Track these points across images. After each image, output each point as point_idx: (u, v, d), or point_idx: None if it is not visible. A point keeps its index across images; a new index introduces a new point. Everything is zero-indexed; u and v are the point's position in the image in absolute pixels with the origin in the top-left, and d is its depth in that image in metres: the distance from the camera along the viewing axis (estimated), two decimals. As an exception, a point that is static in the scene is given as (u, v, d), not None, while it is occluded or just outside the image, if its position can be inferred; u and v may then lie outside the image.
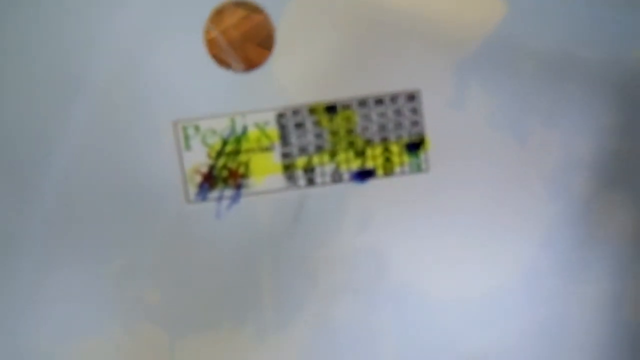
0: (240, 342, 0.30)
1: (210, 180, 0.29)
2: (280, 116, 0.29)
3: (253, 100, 0.29)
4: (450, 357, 0.31)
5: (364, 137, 0.30)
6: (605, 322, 0.31)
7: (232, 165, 0.29)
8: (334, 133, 0.30)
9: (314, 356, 0.30)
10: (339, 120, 0.29)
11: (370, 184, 0.30)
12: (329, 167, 0.30)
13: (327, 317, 0.30)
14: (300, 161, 0.29)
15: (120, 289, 0.29)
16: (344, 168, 0.30)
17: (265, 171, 0.29)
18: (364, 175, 0.30)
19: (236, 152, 0.29)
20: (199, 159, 0.29)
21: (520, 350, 0.31)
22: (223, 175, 0.29)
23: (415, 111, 0.30)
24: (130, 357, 0.30)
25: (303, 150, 0.30)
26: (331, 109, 0.29)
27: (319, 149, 0.30)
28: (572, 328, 0.31)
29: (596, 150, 0.30)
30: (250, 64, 0.29)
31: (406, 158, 0.30)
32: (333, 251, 0.30)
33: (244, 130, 0.29)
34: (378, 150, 0.30)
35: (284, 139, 0.29)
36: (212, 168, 0.29)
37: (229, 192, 0.29)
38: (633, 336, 0.31)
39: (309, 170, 0.30)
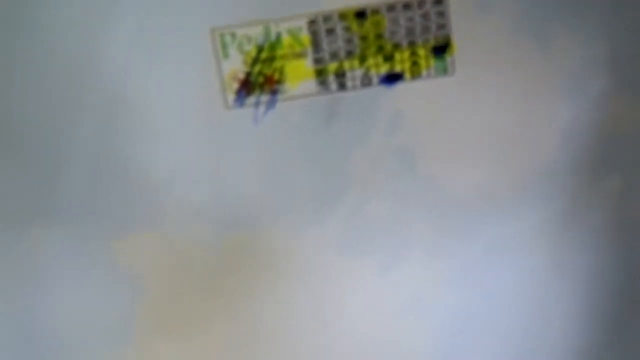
0: (280, 236, 0.33)
1: (247, 87, 0.31)
2: (312, 23, 0.30)
3: (285, 8, 0.30)
4: (475, 247, 0.33)
5: (392, 42, 0.31)
6: (613, 216, 0.33)
7: (267, 71, 0.31)
8: (364, 38, 0.31)
9: (348, 250, 0.33)
10: (368, 25, 0.30)
11: (399, 86, 0.31)
12: (359, 72, 0.31)
13: (360, 214, 0.33)
14: (332, 66, 0.31)
15: (169, 188, 0.32)
16: (373, 72, 0.31)
17: (298, 77, 0.31)
18: (392, 78, 0.31)
19: (271, 59, 0.31)
20: (236, 66, 0.31)
21: (539, 239, 0.33)
22: (259, 82, 0.31)
23: (441, 15, 0.31)
24: (182, 252, 0.33)
25: (334, 56, 0.31)
26: (361, 14, 0.30)
27: (349, 54, 0.31)
28: (581, 220, 0.33)
29: (616, 53, 0.31)
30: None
31: (433, 61, 0.31)
32: (364, 151, 0.32)
33: (278, 37, 0.30)
34: (406, 54, 0.31)
35: (316, 45, 0.31)
36: (248, 75, 0.31)
37: (265, 98, 0.31)
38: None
39: (340, 74, 0.31)
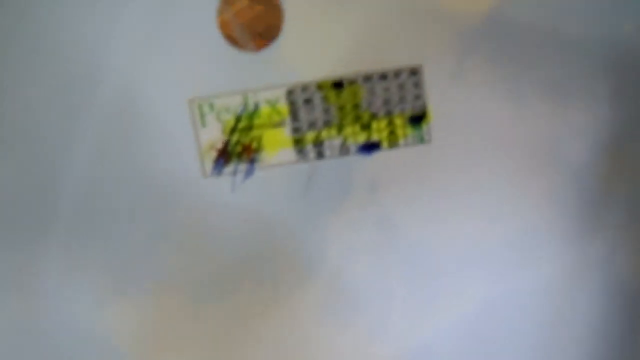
0: (259, 305, 0.32)
1: (225, 156, 0.31)
2: (290, 93, 0.31)
3: (264, 78, 0.31)
4: (460, 314, 0.33)
5: (369, 111, 0.31)
6: (601, 279, 0.33)
7: (245, 140, 0.31)
8: (341, 108, 0.31)
9: (328, 319, 0.32)
10: (345, 95, 0.31)
11: (376, 155, 0.32)
12: (336, 141, 0.31)
13: (338, 282, 0.32)
14: (310, 136, 0.31)
15: (143, 256, 0.31)
16: (350, 141, 0.31)
17: (276, 146, 0.31)
18: (370, 147, 0.31)
19: (249, 128, 0.31)
20: (214, 135, 0.31)
21: (529, 298, 0.33)
22: (237, 151, 0.31)
23: (417, 85, 0.31)
24: (154, 323, 0.32)
25: (312, 125, 0.31)
26: (338, 85, 0.31)
27: (327, 124, 0.31)
28: (570, 286, 0.33)
29: (592, 117, 0.32)
30: (261, 44, 0.30)
31: (409, 130, 0.31)
32: (342, 220, 0.32)
33: (256, 107, 0.31)
34: (383, 123, 0.31)
35: (294, 114, 0.31)
36: (226, 144, 0.31)
37: (243, 167, 0.31)
38: (628, 291, 0.33)
39: (318, 144, 0.31)
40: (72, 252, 0.31)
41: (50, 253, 0.31)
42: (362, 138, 0.31)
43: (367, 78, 0.31)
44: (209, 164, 0.31)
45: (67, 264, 0.31)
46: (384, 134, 0.31)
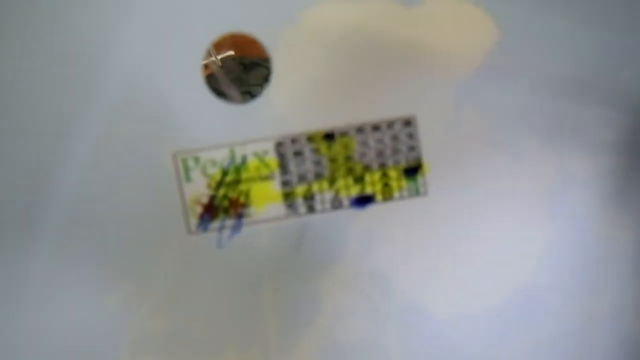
0: (245, 371, 0.30)
1: (211, 211, 0.29)
2: (279, 145, 0.29)
3: (252, 130, 0.29)
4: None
5: (362, 163, 0.30)
6: (608, 336, 0.32)
7: (232, 195, 0.29)
8: (333, 160, 0.30)
9: (319, 381, 0.30)
10: (337, 147, 0.30)
11: (370, 209, 0.30)
12: (328, 194, 0.30)
13: (331, 341, 0.30)
14: (300, 189, 0.30)
15: (123, 319, 0.29)
16: (343, 194, 0.30)
17: (265, 200, 0.30)
18: (363, 201, 0.30)
19: (236, 182, 0.29)
20: (199, 189, 0.29)
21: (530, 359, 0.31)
22: (224, 205, 0.29)
23: (411, 136, 0.30)
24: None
25: (302, 178, 0.30)
26: (329, 137, 0.30)
27: (318, 177, 0.30)
28: (575, 343, 0.31)
29: (592, 167, 0.31)
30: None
31: (404, 183, 0.30)
32: (335, 276, 0.30)
33: (244, 160, 0.29)
34: (376, 175, 0.30)
35: (283, 167, 0.30)
36: (212, 198, 0.29)
37: (230, 222, 0.30)
38: (636, 348, 0.32)
39: (308, 197, 0.30)
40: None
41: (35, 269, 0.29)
42: (355, 191, 0.30)
43: (360, 129, 0.30)
44: (194, 220, 0.29)
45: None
46: (378, 186, 0.30)
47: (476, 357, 0.31)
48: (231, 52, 0.29)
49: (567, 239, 0.31)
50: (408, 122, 0.30)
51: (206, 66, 0.29)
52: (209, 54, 0.29)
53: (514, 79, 0.30)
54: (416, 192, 0.30)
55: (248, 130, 0.29)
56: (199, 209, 0.29)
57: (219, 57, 0.28)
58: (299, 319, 0.30)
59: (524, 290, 0.31)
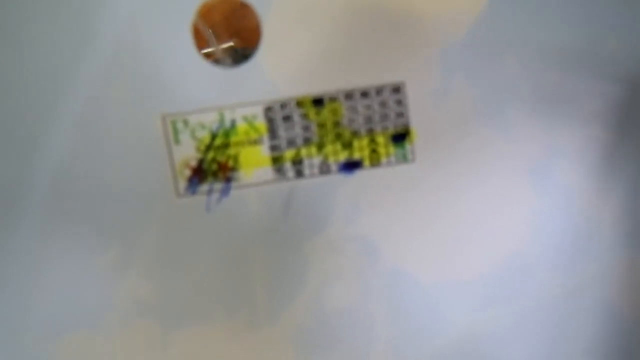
0: (233, 334, 0.30)
1: (199, 174, 0.29)
2: (268, 109, 0.30)
3: (241, 94, 0.29)
4: (443, 341, 0.31)
5: (351, 129, 0.30)
6: (591, 305, 0.32)
7: (221, 158, 0.30)
8: (321, 125, 0.30)
9: (307, 345, 0.31)
10: (325, 112, 0.30)
11: (358, 174, 0.30)
12: (316, 159, 0.30)
13: (319, 306, 0.31)
14: (289, 154, 0.30)
15: (112, 282, 0.29)
16: (331, 160, 0.30)
17: (254, 164, 0.30)
18: (351, 166, 0.30)
19: (225, 146, 0.30)
20: (188, 152, 0.29)
21: (515, 328, 0.32)
22: (212, 169, 0.30)
23: (400, 103, 0.30)
24: (123, 349, 0.30)
25: (291, 143, 0.30)
26: (318, 102, 0.30)
27: (307, 142, 0.30)
28: (559, 312, 0.32)
29: (578, 138, 0.31)
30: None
31: (392, 149, 0.30)
32: (323, 241, 0.30)
33: (233, 124, 0.29)
34: (364, 141, 0.30)
35: (272, 132, 0.30)
36: (201, 162, 0.29)
37: (218, 186, 0.30)
38: (619, 317, 0.32)
39: (297, 162, 0.30)
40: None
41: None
42: (343, 156, 0.30)
43: (348, 95, 0.30)
44: (182, 183, 0.30)
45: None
46: (366, 152, 0.30)
47: (462, 323, 0.31)
48: (231, 43, 0.29)
49: (553, 209, 0.31)
50: (397, 89, 0.30)
51: (195, 29, 0.29)
52: (198, 17, 0.29)
53: (501, 49, 0.31)
54: (404, 159, 0.31)
55: (237, 94, 0.29)
56: (187, 172, 0.29)
57: (220, 47, 0.28)
58: (287, 284, 0.31)
59: (509, 258, 0.31)
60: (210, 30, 0.28)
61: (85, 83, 0.29)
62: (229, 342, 0.30)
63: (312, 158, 0.30)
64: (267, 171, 0.30)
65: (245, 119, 0.30)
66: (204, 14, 0.29)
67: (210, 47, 0.28)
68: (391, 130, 0.30)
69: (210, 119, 0.29)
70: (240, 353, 0.31)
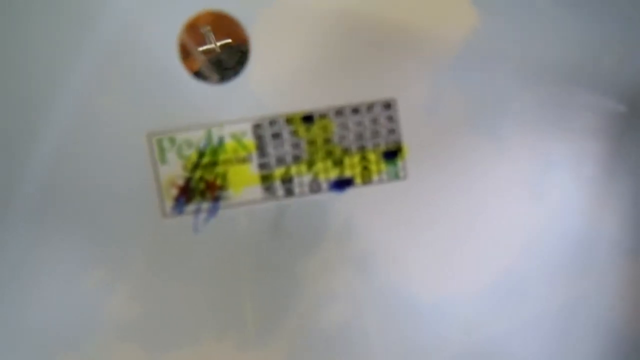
0: (222, 356, 0.30)
1: (186, 193, 0.29)
2: (257, 127, 0.29)
3: (229, 111, 0.29)
4: (437, 355, 0.31)
5: (342, 146, 0.30)
6: (593, 318, 0.32)
7: (209, 177, 0.29)
8: (311, 143, 0.29)
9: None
10: (316, 129, 0.29)
11: (349, 192, 0.30)
12: (307, 177, 0.29)
13: (310, 327, 0.30)
14: (278, 172, 0.29)
15: (97, 303, 0.29)
16: (322, 177, 0.30)
17: (242, 182, 0.29)
18: (342, 184, 0.30)
19: (213, 164, 0.29)
20: (174, 171, 0.29)
21: (514, 342, 0.31)
22: (200, 188, 0.29)
23: (391, 119, 0.30)
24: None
25: (281, 161, 0.29)
26: (308, 119, 0.29)
27: (297, 159, 0.29)
28: (560, 326, 0.31)
29: (574, 152, 0.31)
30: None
31: (384, 166, 0.30)
32: (315, 260, 0.30)
33: (221, 142, 0.29)
34: (356, 159, 0.30)
35: (261, 149, 0.29)
36: (188, 180, 0.29)
37: (206, 205, 0.29)
38: (620, 330, 0.32)
39: (287, 180, 0.29)
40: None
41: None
42: (334, 174, 0.30)
43: (339, 111, 0.29)
44: (169, 203, 0.29)
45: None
46: (357, 169, 0.30)
47: (459, 341, 0.31)
48: (229, 40, 0.28)
49: (549, 222, 0.31)
50: (388, 105, 0.30)
51: (182, 45, 0.28)
52: (184, 33, 0.28)
53: (495, 64, 0.30)
54: (395, 176, 0.30)
55: (225, 111, 0.29)
56: (174, 192, 0.29)
57: (219, 44, 0.28)
58: (277, 304, 0.30)
59: (506, 274, 0.31)
60: (208, 27, 0.27)
61: (70, 101, 0.28)
62: (217, 366, 0.30)
63: (302, 176, 0.29)
64: (256, 190, 0.29)
65: (234, 136, 0.29)
66: (190, 31, 0.28)
67: (208, 44, 0.27)
68: (383, 147, 0.30)
69: (198, 137, 0.29)
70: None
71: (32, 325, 0.29)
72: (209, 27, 0.28)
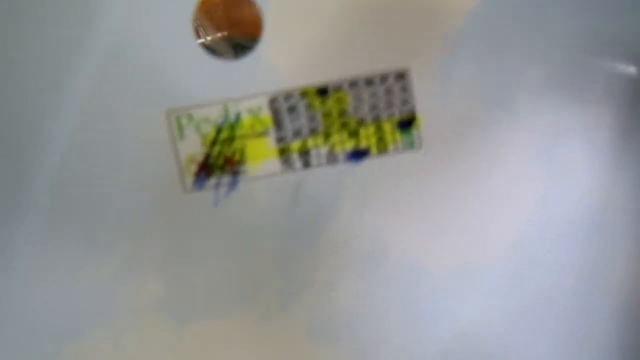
0: (246, 327, 0.30)
1: (206, 169, 0.29)
2: (273, 101, 0.29)
3: (245, 87, 0.29)
4: (455, 330, 0.31)
5: (357, 118, 0.30)
6: (609, 290, 0.32)
7: (227, 152, 0.29)
8: (327, 115, 0.30)
9: (320, 337, 0.31)
10: (331, 102, 0.30)
11: (365, 163, 0.30)
12: (323, 149, 0.30)
13: (330, 297, 0.31)
14: (295, 144, 0.30)
15: (122, 280, 0.29)
16: (338, 149, 0.30)
17: (260, 156, 0.30)
18: (358, 155, 0.30)
19: (231, 139, 0.29)
20: (193, 147, 0.29)
21: (530, 311, 0.32)
22: (219, 163, 0.29)
23: (405, 89, 0.30)
24: (138, 346, 0.30)
25: (297, 134, 0.30)
26: (323, 92, 0.30)
27: (313, 132, 0.30)
28: (577, 299, 0.32)
29: (587, 120, 0.31)
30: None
31: (399, 136, 0.30)
32: (333, 231, 0.30)
33: (237, 117, 0.29)
34: (371, 129, 0.30)
35: (278, 123, 0.29)
36: (207, 156, 0.29)
37: (225, 180, 0.30)
38: (635, 301, 0.32)
39: (304, 153, 0.30)
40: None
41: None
42: (350, 145, 0.30)
43: (353, 83, 0.30)
44: (189, 179, 0.29)
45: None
46: (373, 140, 0.30)
47: (474, 313, 0.31)
48: (225, 33, 0.29)
49: (563, 192, 0.31)
50: (401, 75, 0.30)
51: (196, 22, 0.29)
52: (199, 11, 0.28)
53: (507, 32, 0.30)
54: (411, 146, 0.30)
55: (241, 86, 0.29)
56: (194, 168, 0.29)
57: (209, 38, 0.28)
58: (297, 275, 0.30)
59: (520, 244, 0.31)
60: (197, 22, 0.28)
61: (87, 80, 0.28)
62: (242, 335, 0.30)
63: (318, 148, 0.30)
64: (274, 163, 0.30)
65: (250, 111, 0.29)
66: (204, 7, 0.29)
67: (202, 37, 0.28)
68: (397, 117, 0.30)
69: (215, 113, 0.29)
70: (253, 346, 0.31)
71: (56, 308, 0.29)
72: (198, 22, 0.28)
